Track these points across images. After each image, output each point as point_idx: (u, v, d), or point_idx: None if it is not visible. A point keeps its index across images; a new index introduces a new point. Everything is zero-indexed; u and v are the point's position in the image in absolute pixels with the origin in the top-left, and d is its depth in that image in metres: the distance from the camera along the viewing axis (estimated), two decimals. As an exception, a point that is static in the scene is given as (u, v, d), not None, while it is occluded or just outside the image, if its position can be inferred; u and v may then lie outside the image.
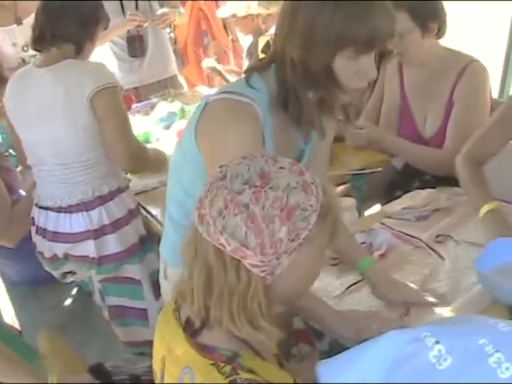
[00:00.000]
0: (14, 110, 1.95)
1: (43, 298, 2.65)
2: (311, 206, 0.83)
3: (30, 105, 1.87)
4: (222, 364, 0.86)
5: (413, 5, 1.88)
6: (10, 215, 2.05)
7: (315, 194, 0.84)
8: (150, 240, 2.09)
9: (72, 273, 2.15)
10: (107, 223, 1.94)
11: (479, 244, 1.61)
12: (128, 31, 3.29)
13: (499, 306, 1.37)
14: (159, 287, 1.66)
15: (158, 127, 2.87)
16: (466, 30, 5.77)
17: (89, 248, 1.95)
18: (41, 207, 1.99)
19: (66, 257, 2.01)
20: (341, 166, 2.28)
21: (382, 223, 1.82)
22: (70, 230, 1.94)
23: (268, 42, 3.01)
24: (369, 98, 2.43)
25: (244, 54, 3.55)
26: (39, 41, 1.89)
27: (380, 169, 2.24)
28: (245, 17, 3.09)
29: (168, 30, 3.67)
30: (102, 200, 1.94)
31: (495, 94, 2.77)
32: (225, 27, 4.25)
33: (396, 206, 1.91)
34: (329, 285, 1.56)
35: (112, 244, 1.97)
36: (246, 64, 3.49)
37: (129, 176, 2.24)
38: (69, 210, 1.93)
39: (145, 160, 2.03)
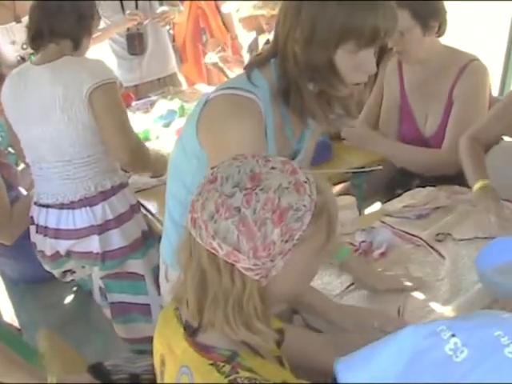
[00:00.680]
0: (13, 108, 1.95)
1: (43, 296, 2.66)
2: (304, 205, 0.81)
3: (29, 103, 1.86)
4: (222, 364, 0.85)
5: (414, 3, 1.88)
6: (9, 213, 2.04)
7: (309, 193, 0.82)
8: (151, 235, 2.10)
9: (72, 271, 2.15)
10: (111, 218, 1.95)
11: (481, 237, 1.62)
12: (128, 29, 3.29)
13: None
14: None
15: (157, 125, 2.87)
16: (467, 29, 5.77)
17: (93, 244, 1.96)
18: (41, 205, 1.99)
19: (69, 254, 2.02)
20: (341, 164, 2.28)
21: (382, 221, 1.82)
22: (73, 226, 1.95)
23: (268, 40, 3.00)
24: (368, 97, 2.43)
25: (245, 51, 3.55)
26: (37, 39, 1.88)
27: (380, 167, 2.23)
28: (249, 16, 3.10)
29: (167, 27, 3.67)
30: (105, 195, 1.95)
31: (495, 93, 2.77)
32: (224, 24, 4.24)
33: (396, 204, 1.91)
34: (329, 283, 1.55)
35: (116, 239, 1.97)
36: (246, 60, 3.48)
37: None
38: (71, 206, 1.93)
39: (145, 158, 2.02)
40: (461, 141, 1.86)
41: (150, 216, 2.16)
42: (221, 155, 0.97)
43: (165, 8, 3.32)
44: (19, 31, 2.85)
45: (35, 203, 2.02)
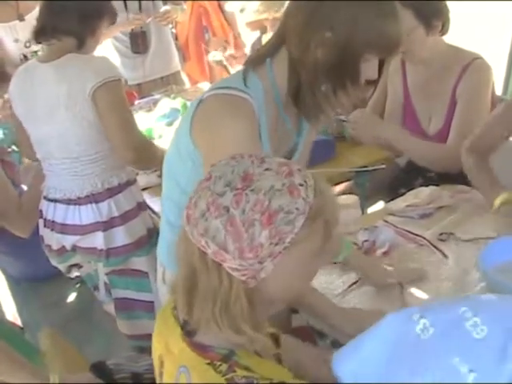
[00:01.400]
0: (21, 105, 1.95)
1: (45, 295, 2.66)
2: (297, 208, 0.80)
3: (36, 101, 1.87)
4: (219, 363, 0.85)
5: (417, 3, 1.87)
6: (19, 206, 2.05)
7: (303, 196, 0.81)
8: (156, 233, 2.10)
9: (78, 266, 2.16)
10: (116, 215, 1.95)
11: (484, 236, 1.62)
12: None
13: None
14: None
15: (160, 124, 2.87)
16: (471, 29, 5.75)
17: (97, 240, 1.96)
18: (49, 199, 2.00)
19: (74, 249, 2.03)
20: (344, 163, 2.28)
21: (386, 221, 1.82)
22: (79, 222, 1.95)
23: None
24: (371, 97, 2.42)
25: (248, 50, 3.55)
26: (40, 33, 1.89)
27: (383, 166, 2.23)
28: (254, 21, 3.10)
29: (170, 25, 3.68)
30: (111, 192, 1.95)
31: (499, 92, 2.76)
32: (227, 22, 4.24)
33: (399, 203, 1.90)
34: (331, 283, 1.55)
35: (120, 236, 1.98)
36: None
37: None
38: (78, 202, 1.94)
39: (150, 156, 2.00)
40: (462, 156, 1.83)
41: (152, 214, 2.16)
42: (215, 154, 0.97)
43: (167, 7, 3.33)
44: (22, 29, 2.86)
45: (44, 197, 2.03)
